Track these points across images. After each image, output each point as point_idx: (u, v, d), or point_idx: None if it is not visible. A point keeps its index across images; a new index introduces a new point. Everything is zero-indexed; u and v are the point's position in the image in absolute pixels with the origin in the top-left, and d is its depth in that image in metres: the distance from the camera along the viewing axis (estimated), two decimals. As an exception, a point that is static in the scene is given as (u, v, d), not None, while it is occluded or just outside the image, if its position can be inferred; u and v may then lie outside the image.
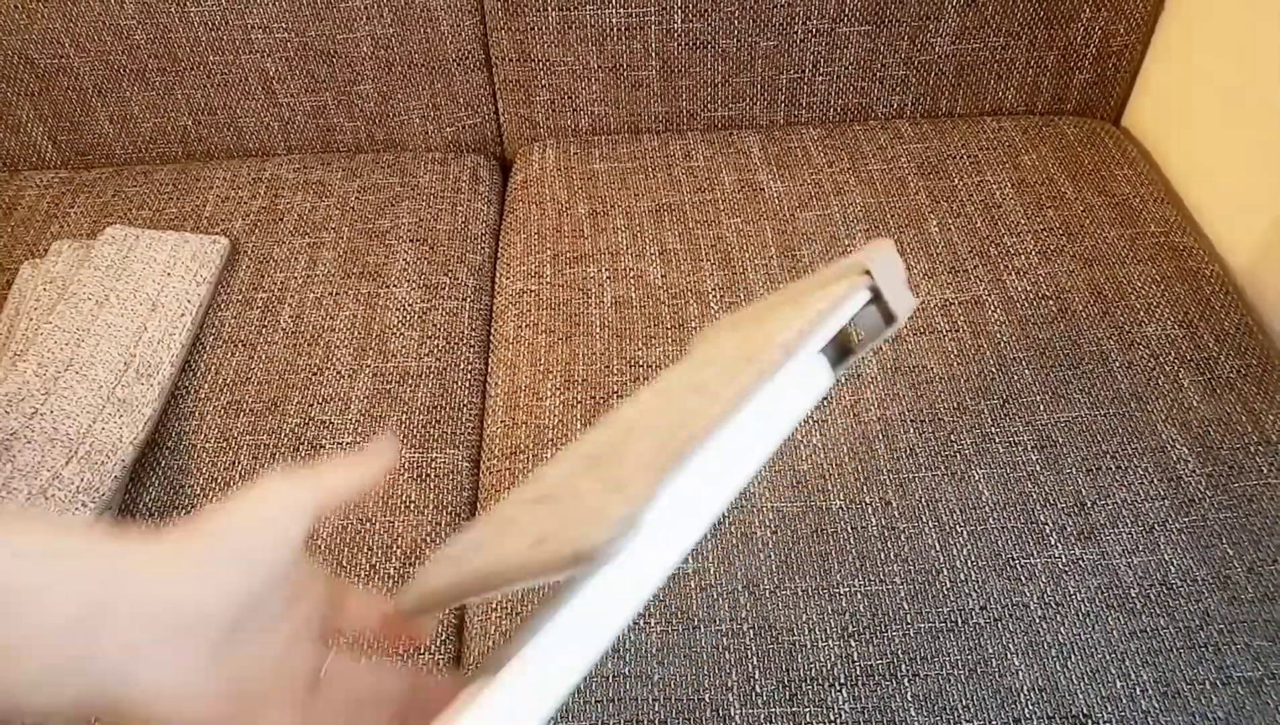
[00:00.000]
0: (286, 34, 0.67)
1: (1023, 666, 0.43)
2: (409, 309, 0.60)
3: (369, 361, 0.57)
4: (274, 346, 0.58)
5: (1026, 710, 0.42)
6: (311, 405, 0.55)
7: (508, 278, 0.63)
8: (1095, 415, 0.52)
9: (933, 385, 0.54)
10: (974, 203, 0.65)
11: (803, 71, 0.70)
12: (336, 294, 0.61)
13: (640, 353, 0.56)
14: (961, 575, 0.46)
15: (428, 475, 0.53)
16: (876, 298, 0.29)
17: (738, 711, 0.42)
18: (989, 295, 0.59)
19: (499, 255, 0.66)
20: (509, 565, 0.23)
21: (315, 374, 0.57)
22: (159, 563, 0.22)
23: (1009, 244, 0.62)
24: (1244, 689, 0.42)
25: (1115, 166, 0.67)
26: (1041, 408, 0.53)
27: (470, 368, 0.59)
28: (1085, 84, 0.71)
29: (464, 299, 0.62)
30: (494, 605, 0.47)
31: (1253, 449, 0.50)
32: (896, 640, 0.44)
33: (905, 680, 0.43)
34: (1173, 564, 0.46)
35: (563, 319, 0.59)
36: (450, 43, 0.68)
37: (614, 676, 0.43)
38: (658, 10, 0.66)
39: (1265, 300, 0.58)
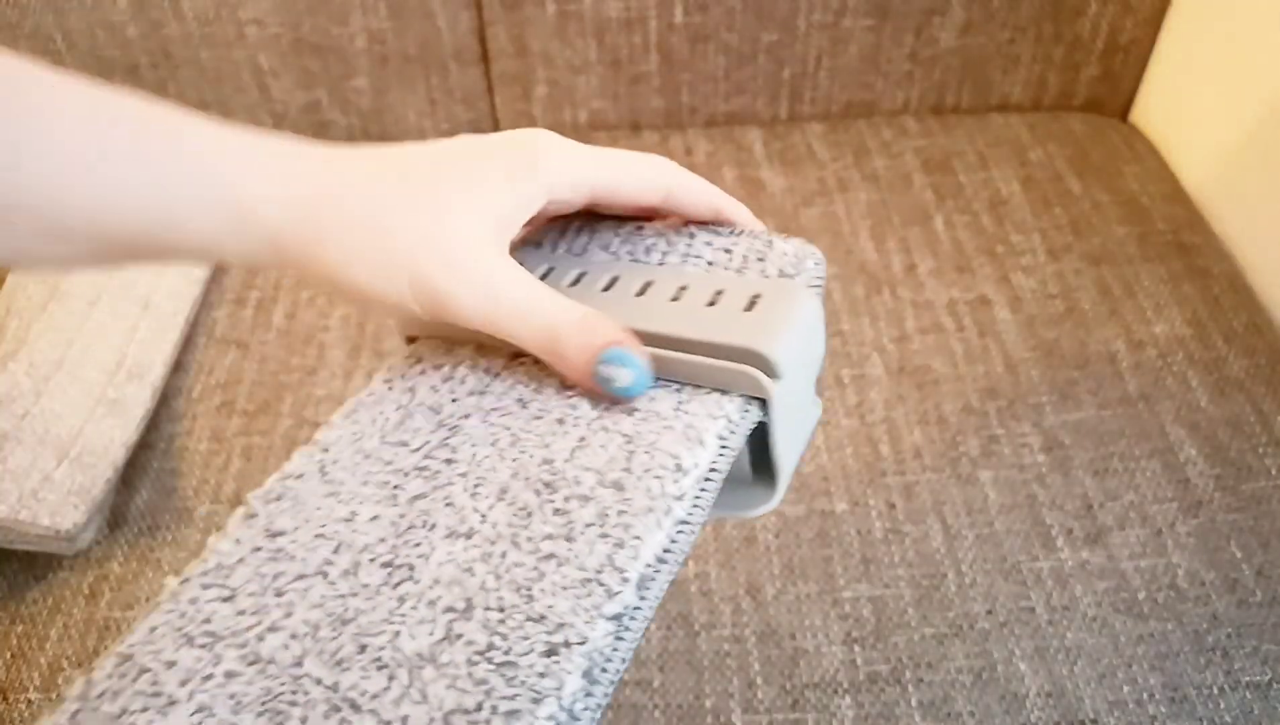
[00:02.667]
0: (280, 28, 0.66)
1: (1029, 672, 0.42)
2: (405, 308, 0.60)
3: (363, 361, 0.57)
4: (267, 346, 0.58)
5: (1033, 716, 0.41)
6: (305, 406, 0.54)
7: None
8: (1103, 416, 0.51)
9: (938, 385, 0.53)
10: (980, 200, 0.64)
11: (806, 66, 0.69)
12: (330, 292, 0.60)
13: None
14: (967, 579, 0.45)
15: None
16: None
17: (740, 719, 0.41)
18: (995, 294, 0.58)
19: (497, 253, 0.65)
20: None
21: (309, 374, 0.56)
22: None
23: (1016, 242, 0.61)
24: (1252, 694, 0.41)
25: (1123, 163, 0.66)
26: (1049, 408, 0.52)
27: (468, 367, 0.58)
28: (1093, 79, 0.70)
29: (461, 297, 0.61)
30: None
31: (1262, 450, 0.49)
32: (901, 645, 0.43)
33: (910, 686, 0.42)
34: (1181, 567, 0.45)
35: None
36: (446, 37, 0.67)
37: (614, 683, 0.43)
38: (658, 3, 0.65)
39: (1275, 299, 0.58)
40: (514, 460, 0.25)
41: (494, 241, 0.26)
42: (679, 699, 0.42)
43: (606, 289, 0.29)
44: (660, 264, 0.29)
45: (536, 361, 0.27)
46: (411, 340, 0.31)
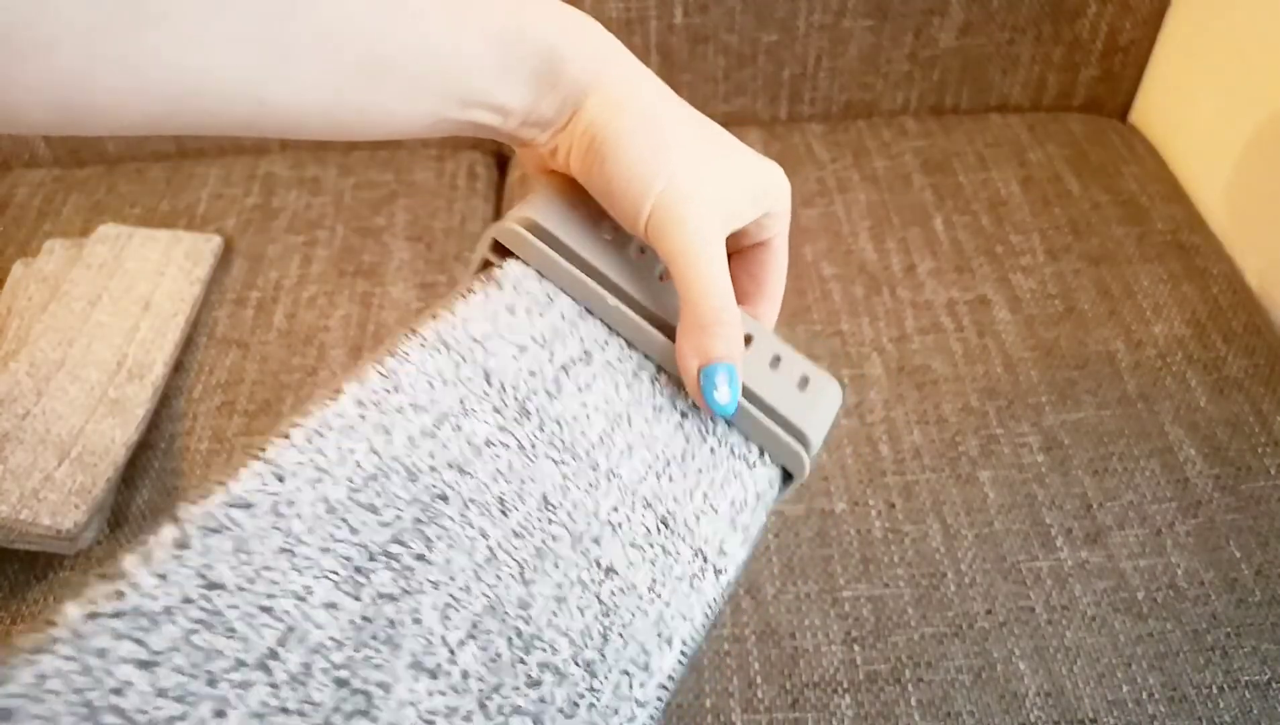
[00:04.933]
0: (281, 28, 0.66)
1: (1028, 671, 0.42)
2: (405, 308, 0.60)
3: (364, 361, 0.57)
4: (268, 346, 0.58)
5: (1032, 715, 0.41)
6: (305, 406, 0.54)
7: (506, 276, 0.62)
8: (1102, 416, 0.51)
9: (938, 385, 0.54)
10: (979, 200, 0.64)
11: (805, 66, 0.69)
12: (331, 293, 0.60)
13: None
14: (966, 579, 0.45)
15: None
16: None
17: (739, 718, 0.42)
18: (995, 294, 0.58)
19: (497, 253, 0.66)
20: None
21: (309, 374, 0.56)
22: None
23: (1015, 242, 0.61)
24: (1251, 693, 0.42)
25: (1122, 164, 0.66)
26: (1048, 408, 0.52)
27: (468, 367, 0.58)
28: (1092, 80, 0.70)
29: (461, 297, 0.61)
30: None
31: (1261, 450, 0.49)
32: (901, 645, 0.43)
33: (910, 685, 0.42)
34: (1180, 567, 0.45)
35: (562, 318, 0.58)
36: (447, 37, 0.67)
37: (614, 682, 0.43)
38: (658, 4, 0.65)
39: (1274, 299, 0.58)
40: (490, 586, 0.23)
41: (728, 218, 0.29)
42: (679, 698, 0.42)
43: None
44: None
45: (521, 445, 0.26)
46: (489, 261, 0.29)
